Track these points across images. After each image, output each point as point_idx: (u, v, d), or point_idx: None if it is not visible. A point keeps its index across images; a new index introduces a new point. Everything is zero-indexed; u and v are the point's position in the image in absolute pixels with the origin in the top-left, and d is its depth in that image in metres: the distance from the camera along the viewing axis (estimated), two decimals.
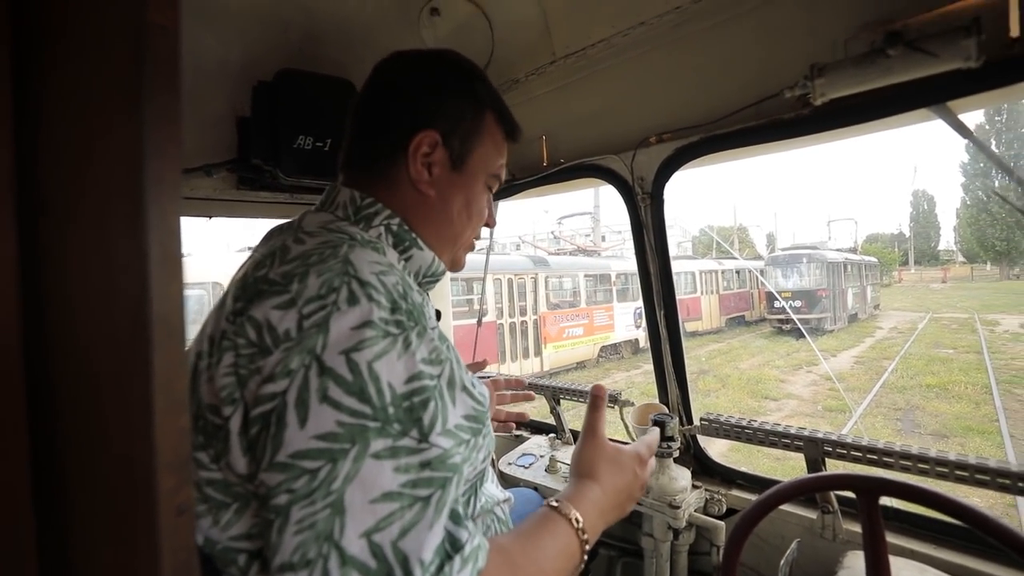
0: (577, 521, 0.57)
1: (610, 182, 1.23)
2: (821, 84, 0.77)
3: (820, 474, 0.83)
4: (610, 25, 1.14)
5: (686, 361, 1.30)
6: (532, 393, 1.08)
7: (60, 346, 0.31)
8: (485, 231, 0.78)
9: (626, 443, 0.72)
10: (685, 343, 1.29)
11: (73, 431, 0.31)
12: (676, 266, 16.18)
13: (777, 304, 15.59)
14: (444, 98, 0.66)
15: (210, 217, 1.61)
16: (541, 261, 11.83)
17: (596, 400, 0.69)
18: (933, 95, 0.76)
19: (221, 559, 0.48)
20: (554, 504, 0.58)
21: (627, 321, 13.17)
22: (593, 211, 18.56)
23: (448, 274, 0.77)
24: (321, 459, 0.40)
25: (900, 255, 57.49)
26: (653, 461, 0.73)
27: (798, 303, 16.11)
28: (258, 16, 1.33)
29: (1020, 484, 0.81)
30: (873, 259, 24.51)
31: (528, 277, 10.97)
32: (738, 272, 18.33)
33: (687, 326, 15.87)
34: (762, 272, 17.91)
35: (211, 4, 1.20)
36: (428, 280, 0.69)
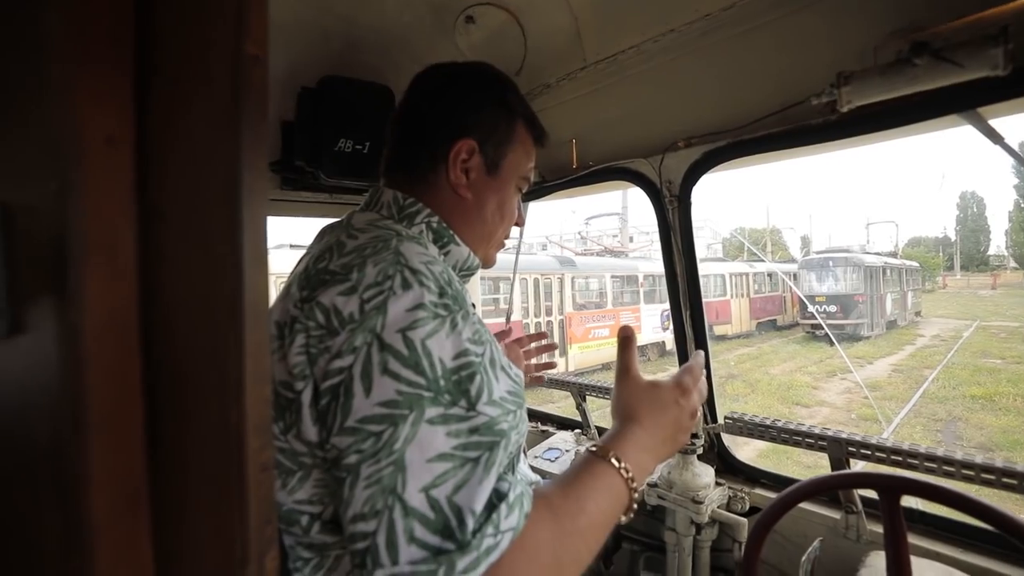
0: (617, 460, 0.57)
1: (638, 185, 1.26)
2: (848, 92, 0.79)
3: (841, 472, 0.85)
4: (640, 32, 1.17)
5: (713, 364, 1.32)
6: (555, 343, 1.12)
7: (170, 331, 0.37)
8: (515, 230, 0.83)
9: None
10: (713, 347, 1.30)
11: (181, 401, 0.37)
12: (705, 268, 15.98)
13: (811, 309, 15.14)
14: (480, 109, 0.71)
15: None
16: (567, 261, 11.83)
17: (626, 340, 0.69)
18: (963, 101, 0.77)
19: (286, 519, 0.54)
20: (593, 448, 0.59)
21: (654, 323, 13.04)
22: (621, 212, 18.42)
23: (479, 276, 0.83)
24: (384, 423, 0.46)
25: (945, 260, 54.99)
26: (703, 386, 0.70)
27: (833, 308, 15.61)
28: (302, 26, 1.41)
29: None
30: (915, 263, 23.56)
31: (554, 277, 10.99)
32: (770, 275, 17.88)
33: (716, 330, 15.58)
34: (795, 276, 17.42)
35: None
36: (464, 274, 0.75)
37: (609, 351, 11.99)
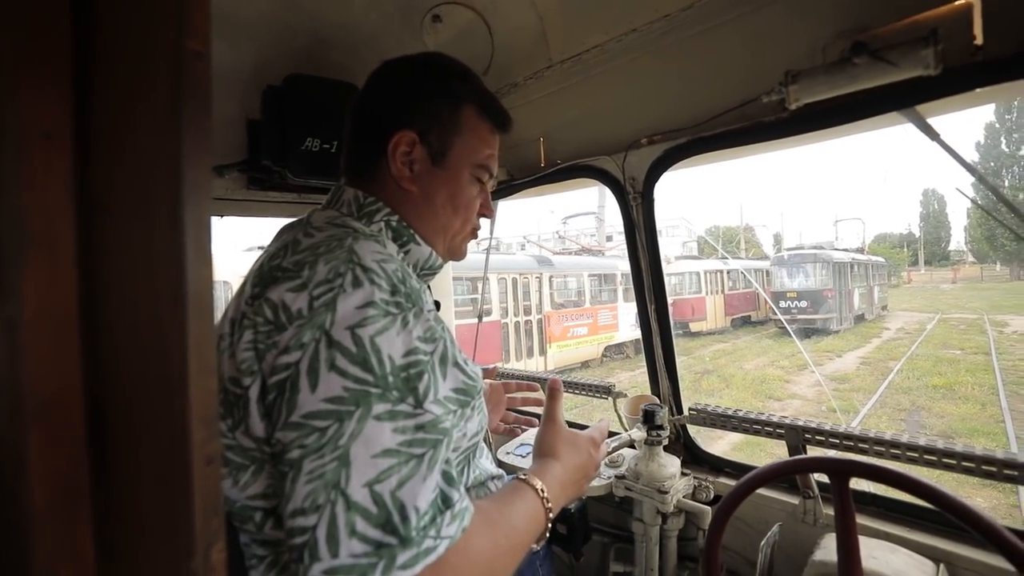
0: (542, 491, 0.64)
1: (603, 182, 1.29)
2: (795, 90, 0.82)
3: (794, 458, 0.88)
4: (603, 32, 1.19)
5: (688, 360, 1.35)
6: (542, 398, 1.12)
7: (113, 324, 0.37)
8: (486, 224, 0.82)
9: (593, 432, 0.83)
10: (688, 343, 1.34)
11: (123, 394, 0.37)
12: (681, 266, 16.22)
13: (782, 304, 15.53)
14: (419, 99, 0.70)
15: (222, 216, 1.68)
16: (545, 261, 11.88)
17: (553, 392, 0.80)
18: (902, 99, 0.81)
19: (239, 516, 0.54)
20: (522, 477, 0.66)
21: (631, 321, 13.20)
22: (598, 211, 18.57)
23: (451, 273, 0.83)
24: (330, 419, 0.46)
25: (910, 255, 57.00)
26: (605, 446, 0.83)
27: (804, 303, 16.06)
28: (268, 23, 1.40)
29: (983, 467, 0.85)
30: (880, 259, 24.35)
31: (532, 277, 11.03)
32: (743, 273, 18.30)
33: (691, 326, 15.85)
34: (768, 272, 17.85)
35: (224, 12, 1.26)
36: (426, 273, 0.74)
37: (588, 349, 12.11)
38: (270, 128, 1.43)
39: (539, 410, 1.22)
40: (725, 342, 15.44)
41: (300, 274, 0.52)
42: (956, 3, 0.76)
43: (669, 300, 1.34)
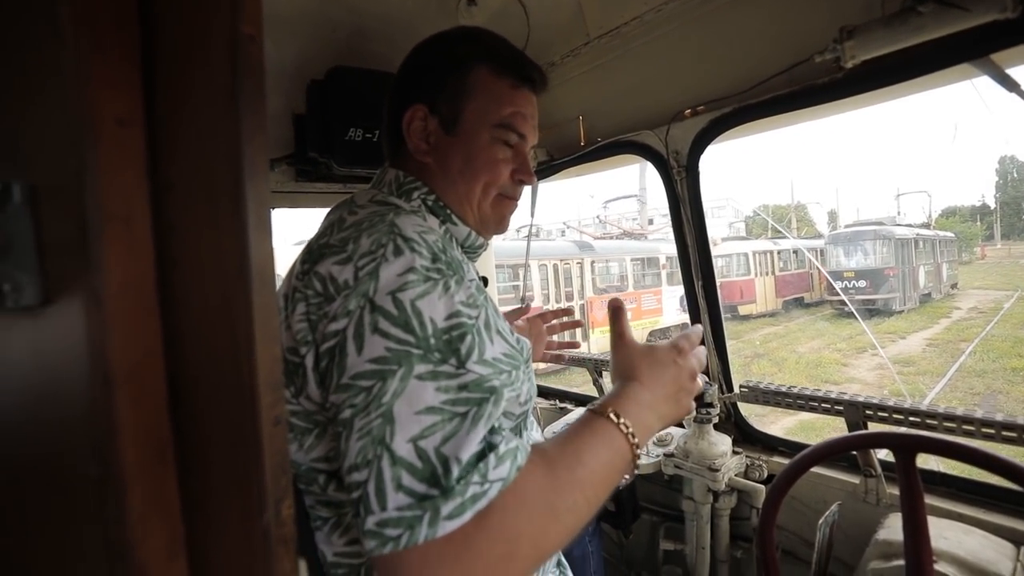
0: (616, 416, 0.57)
1: (646, 157, 1.26)
2: (851, 46, 0.77)
3: (854, 433, 0.84)
4: (642, 2, 1.16)
5: (738, 344, 1.31)
6: (580, 320, 1.10)
7: (185, 295, 0.39)
8: (524, 211, 0.81)
9: None
10: (737, 327, 1.30)
11: (196, 361, 0.40)
12: (728, 248, 15.65)
13: (839, 285, 14.74)
14: (423, 71, 0.70)
15: (273, 208, 1.76)
16: (586, 246, 11.75)
17: (616, 311, 0.69)
18: (973, 49, 0.74)
19: (305, 479, 0.58)
20: (592, 407, 0.60)
21: (676, 305, 12.89)
22: (639, 193, 18.13)
23: (493, 260, 0.82)
24: (374, 379, 0.48)
25: (984, 229, 52.66)
26: (702, 354, 0.70)
27: (862, 283, 15.17)
28: (309, 18, 1.44)
29: None
30: (949, 234, 22.66)
31: (574, 262, 10.93)
32: (796, 252, 17.44)
33: (740, 309, 15.29)
34: (822, 252, 16.95)
35: (267, 11, 1.30)
36: (468, 252, 0.75)
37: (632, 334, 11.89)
38: (314, 121, 1.48)
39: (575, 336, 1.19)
40: (777, 325, 14.83)
41: (345, 248, 0.54)
42: None
43: (717, 283, 1.30)
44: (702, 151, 1.15)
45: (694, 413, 1.13)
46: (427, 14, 1.51)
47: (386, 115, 0.75)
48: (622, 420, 0.57)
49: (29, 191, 0.38)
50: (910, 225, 20.82)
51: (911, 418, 0.94)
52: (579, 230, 17.55)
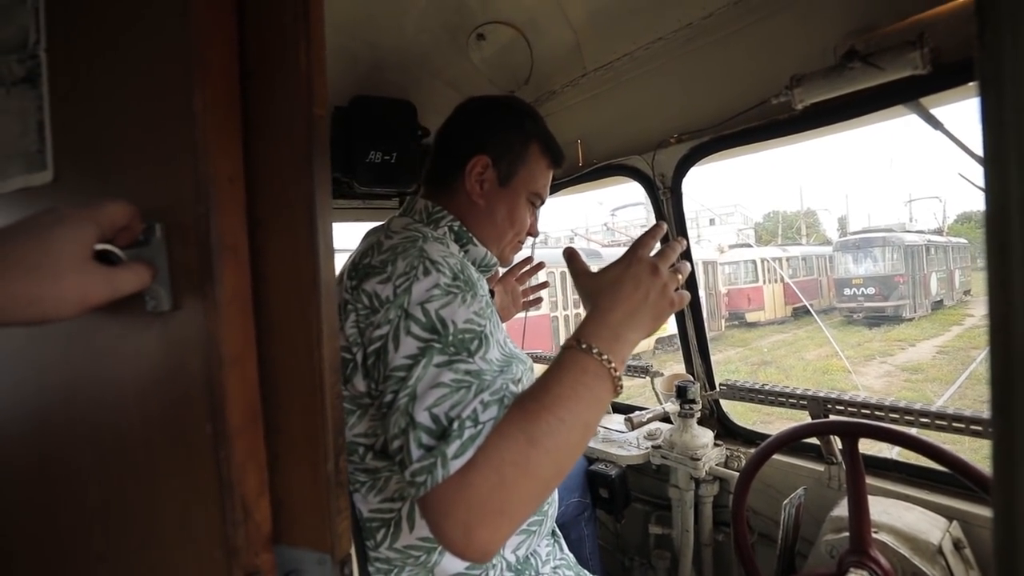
0: (578, 342, 0.61)
1: (635, 179, 1.40)
2: (799, 92, 0.91)
3: (809, 422, 0.97)
4: (632, 42, 1.30)
5: (745, 351, 1.44)
6: (543, 261, 1.24)
7: (272, 302, 0.54)
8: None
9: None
10: (744, 334, 1.43)
11: (279, 351, 0.54)
12: (735, 255, 15.65)
13: (847, 292, 14.69)
14: (497, 131, 0.87)
15: None
16: (594, 254, 11.88)
17: (571, 255, 0.74)
18: (902, 95, 0.88)
19: (347, 450, 0.72)
20: (564, 343, 0.64)
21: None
22: (646, 201, 18.23)
23: (499, 268, 0.98)
24: (406, 370, 0.61)
25: None
26: (679, 246, 0.70)
27: (871, 290, 15.12)
28: (332, 52, 1.60)
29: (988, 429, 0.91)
30: (963, 240, 22.45)
31: None
32: (804, 259, 17.40)
33: (748, 316, 15.31)
34: (831, 259, 16.91)
35: None
36: (483, 269, 0.91)
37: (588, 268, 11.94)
38: (338, 145, 1.64)
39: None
40: (785, 332, 14.82)
41: (385, 270, 0.69)
42: (956, 1, 0.83)
43: (724, 290, 1.44)
44: (684, 174, 1.29)
45: (694, 405, 1.25)
46: (440, 47, 1.67)
47: (441, 150, 0.90)
48: (583, 344, 0.61)
49: (165, 229, 0.53)
50: (921, 231, 20.68)
51: (863, 410, 1.06)
52: (587, 238, 17.66)
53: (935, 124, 0.90)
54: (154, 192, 0.54)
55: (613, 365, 0.60)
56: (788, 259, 17.03)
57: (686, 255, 1.41)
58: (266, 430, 0.55)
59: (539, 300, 1.26)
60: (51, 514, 0.63)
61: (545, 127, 0.91)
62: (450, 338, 0.64)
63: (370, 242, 0.77)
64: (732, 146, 1.16)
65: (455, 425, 0.57)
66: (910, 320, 14.83)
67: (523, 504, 0.55)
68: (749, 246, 17.86)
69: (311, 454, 0.55)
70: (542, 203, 0.94)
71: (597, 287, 0.67)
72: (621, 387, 0.62)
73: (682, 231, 1.35)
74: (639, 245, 0.69)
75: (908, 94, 0.87)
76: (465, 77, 1.75)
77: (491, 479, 0.54)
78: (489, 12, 1.49)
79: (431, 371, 0.61)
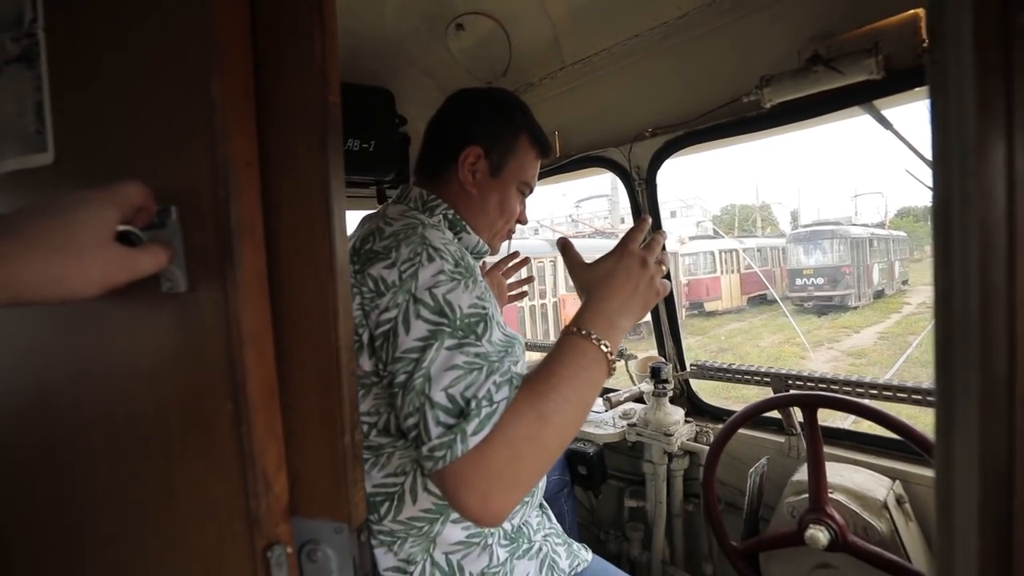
0: (577, 328, 0.67)
1: (612, 170, 1.45)
2: (768, 92, 0.98)
3: (773, 396, 1.06)
4: (609, 37, 1.35)
5: (704, 339, 1.53)
6: (528, 256, 1.29)
7: (288, 282, 0.56)
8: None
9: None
10: (704, 323, 1.52)
11: (297, 329, 0.56)
12: (695, 246, 16.17)
13: (799, 282, 15.45)
14: (488, 123, 0.90)
15: None
16: None
17: (564, 246, 0.81)
18: (858, 97, 0.96)
19: None
20: (564, 329, 0.71)
21: None
22: (610, 193, 18.55)
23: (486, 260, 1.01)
24: (418, 352, 0.65)
25: None
26: (661, 238, 0.76)
27: (820, 280, 15.96)
28: None
29: (928, 398, 1.03)
30: (902, 233, 23.92)
31: (547, 260, 11.18)
32: (759, 251, 18.16)
33: (707, 306, 15.88)
34: (784, 250, 17.72)
35: None
36: (474, 256, 0.94)
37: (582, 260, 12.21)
38: None
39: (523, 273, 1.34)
40: (741, 321, 15.46)
41: (390, 256, 0.71)
42: (906, 13, 0.92)
43: (684, 281, 1.52)
44: (659, 166, 1.36)
45: (667, 385, 1.33)
46: (418, 37, 1.67)
47: (434, 141, 0.92)
48: (583, 330, 0.67)
49: (181, 212, 0.54)
50: (866, 225, 21.91)
51: (820, 384, 1.17)
52: (552, 228, 17.83)
53: (886, 124, 0.99)
54: (167, 176, 0.55)
55: (608, 349, 0.67)
56: (744, 250, 17.73)
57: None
58: (282, 406, 0.58)
59: (524, 294, 1.30)
60: (56, 497, 0.63)
61: (533, 119, 0.95)
62: (458, 322, 0.67)
63: (369, 228, 0.79)
64: (704, 140, 1.23)
65: (472, 404, 0.61)
66: (855, 308, 15.75)
67: (533, 474, 0.61)
68: (712, 237, 18.45)
69: (328, 428, 0.57)
70: (531, 191, 0.98)
71: (592, 278, 0.73)
72: (614, 369, 0.68)
73: (656, 221, 1.42)
74: (629, 239, 0.75)
75: (864, 96, 0.96)
76: (443, 67, 1.76)
77: (506, 452, 0.59)
78: (469, 2, 1.51)
79: (443, 354, 0.64)
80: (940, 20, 0.43)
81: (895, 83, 0.91)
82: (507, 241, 1.12)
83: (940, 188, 0.44)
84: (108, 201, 0.47)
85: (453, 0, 1.49)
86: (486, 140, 0.89)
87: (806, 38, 1.03)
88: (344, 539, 0.58)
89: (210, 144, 0.53)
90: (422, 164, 0.94)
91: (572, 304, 11.45)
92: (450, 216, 0.88)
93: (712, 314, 15.92)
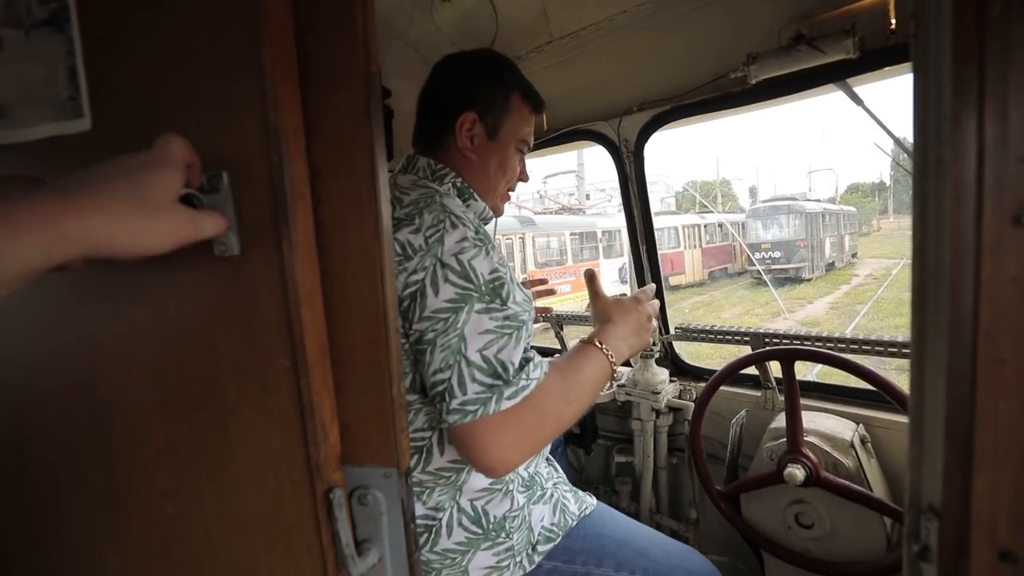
0: (600, 344, 0.84)
1: (601, 143, 1.50)
2: (755, 69, 1.05)
3: (754, 352, 1.16)
4: (597, 12, 1.38)
5: (669, 312, 1.62)
6: (553, 288, 1.37)
7: (333, 245, 0.59)
8: (521, 186, 1.05)
9: None
10: (668, 296, 1.60)
11: (344, 290, 0.59)
12: (659, 222, 16.52)
13: (757, 255, 16.09)
14: (479, 87, 0.91)
15: None
16: (528, 221, 12.07)
17: (591, 276, 0.99)
18: (834, 74, 1.04)
19: None
20: (584, 340, 0.87)
21: (613, 277, 13.57)
22: (577, 169, 18.64)
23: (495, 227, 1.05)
24: (449, 312, 0.69)
25: (880, 203, 58.51)
26: (656, 304, 0.98)
27: (777, 254, 16.66)
28: None
29: (891, 351, 1.15)
30: (852, 209, 25.13)
31: (516, 237, 11.24)
32: (720, 226, 18.75)
33: (671, 280, 16.36)
34: (743, 225, 18.35)
35: None
36: (482, 221, 0.97)
37: (572, 305, 12.49)
38: None
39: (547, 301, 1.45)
40: (703, 294, 16.03)
41: (414, 222, 0.75)
42: (863, 2, 0.99)
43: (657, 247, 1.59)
44: (647, 139, 1.42)
45: (654, 350, 1.42)
46: (403, 7, 1.65)
47: (427, 111, 0.94)
48: (603, 346, 0.85)
49: (232, 178, 0.56)
50: (819, 200, 22.87)
51: (795, 341, 1.28)
52: (519, 205, 17.83)
53: (857, 100, 1.08)
54: (215, 142, 0.57)
55: (614, 361, 0.85)
56: (706, 226, 18.26)
57: (645, 209, 1.55)
58: (333, 362, 0.61)
59: (549, 309, 1.38)
60: (106, 457, 0.65)
61: (523, 76, 0.97)
62: (483, 287, 0.72)
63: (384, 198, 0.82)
64: (691, 115, 1.29)
65: (510, 370, 0.70)
66: (808, 280, 16.59)
67: (545, 440, 0.75)
68: (675, 213, 18.86)
69: (376, 381, 0.61)
70: (529, 149, 1.01)
71: (610, 310, 0.92)
72: (615, 377, 0.86)
73: (643, 191, 1.49)
74: (643, 296, 0.96)
75: (840, 74, 1.04)
76: (428, 39, 1.74)
77: (535, 419, 0.71)
78: None
79: (475, 317, 0.70)
80: (923, 7, 0.50)
81: (868, 62, 0.99)
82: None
83: (919, 153, 0.51)
84: (174, 165, 0.49)
85: None
86: (479, 104, 0.90)
87: (787, 17, 1.10)
88: (393, 483, 0.63)
89: (260, 111, 0.55)
90: (419, 135, 0.96)
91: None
92: (458, 184, 0.91)
93: (676, 287, 16.43)
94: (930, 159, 0.51)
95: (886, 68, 0.98)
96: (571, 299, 12.44)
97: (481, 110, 0.91)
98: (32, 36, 0.58)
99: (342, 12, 0.58)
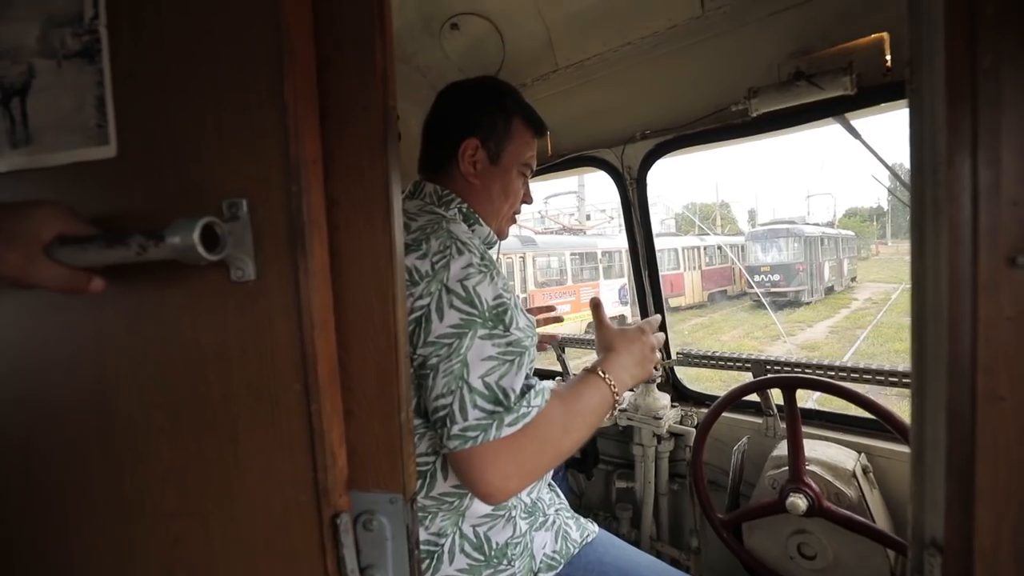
0: (603, 373, 0.84)
1: (604, 170, 1.53)
2: (755, 102, 1.08)
3: (756, 379, 1.17)
4: (602, 43, 1.42)
5: (669, 334, 1.63)
6: (561, 315, 1.37)
7: (348, 271, 0.60)
8: (524, 207, 1.07)
9: None
10: (668, 318, 1.61)
11: (356, 317, 0.61)
12: (659, 243, 16.57)
13: (756, 278, 16.14)
14: (481, 114, 0.94)
15: None
16: (529, 241, 12.12)
17: (596, 306, 0.99)
18: (833, 109, 1.08)
19: None
20: (587, 368, 0.87)
21: (613, 298, 13.58)
22: (578, 190, 18.81)
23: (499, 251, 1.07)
24: (453, 338, 0.70)
25: (879, 228, 58.92)
26: (661, 336, 0.98)
27: (776, 277, 16.71)
28: None
29: (889, 379, 1.16)
30: (850, 233, 25.27)
31: (516, 256, 11.28)
32: (720, 248, 18.84)
33: (670, 302, 16.36)
34: (743, 248, 18.43)
35: None
36: (487, 246, 0.99)
37: (572, 326, 12.47)
38: None
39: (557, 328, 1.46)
40: (703, 316, 16.02)
41: (421, 247, 0.76)
42: (872, 36, 1.03)
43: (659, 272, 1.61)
44: (650, 167, 1.45)
45: (656, 376, 1.43)
46: (413, 34, 1.70)
47: (432, 138, 0.96)
48: (606, 375, 0.85)
49: (251, 205, 0.58)
50: (817, 224, 23.04)
51: (795, 369, 1.29)
52: (520, 225, 17.94)
53: (855, 134, 1.11)
54: (235, 172, 0.58)
55: (616, 390, 0.85)
56: (706, 248, 18.35)
57: (647, 234, 1.57)
58: (342, 387, 0.62)
59: (555, 336, 1.37)
60: (114, 476, 0.65)
61: (524, 101, 0.99)
62: (487, 313, 0.73)
63: None
64: (694, 144, 1.33)
65: (511, 397, 0.70)
66: (807, 304, 16.59)
67: (545, 469, 0.75)
68: (674, 235, 18.96)
69: (384, 406, 0.62)
70: (532, 172, 1.03)
71: (614, 339, 0.93)
72: (617, 406, 0.86)
73: (645, 216, 1.51)
74: (647, 327, 0.97)
75: (837, 109, 1.07)
76: (436, 65, 1.79)
77: (534, 447, 0.71)
78: (465, 3, 1.55)
79: (477, 342, 0.71)
80: (918, 55, 0.52)
81: (865, 98, 1.02)
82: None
83: (916, 194, 0.53)
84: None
85: (449, 0, 1.53)
86: (481, 130, 0.93)
87: (786, 53, 1.14)
88: (399, 509, 0.63)
89: (282, 143, 0.57)
90: (425, 162, 0.98)
91: (540, 300, 11.59)
92: (464, 209, 0.93)
93: (676, 309, 16.43)
94: (927, 199, 0.53)
95: (882, 104, 1.01)
96: (571, 319, 12.44)
97: (483, 136, 0.93)
98: (64, 66, 0.61)
99: (361, 45, 0.60)
